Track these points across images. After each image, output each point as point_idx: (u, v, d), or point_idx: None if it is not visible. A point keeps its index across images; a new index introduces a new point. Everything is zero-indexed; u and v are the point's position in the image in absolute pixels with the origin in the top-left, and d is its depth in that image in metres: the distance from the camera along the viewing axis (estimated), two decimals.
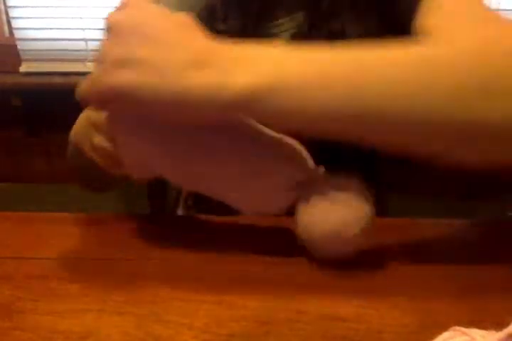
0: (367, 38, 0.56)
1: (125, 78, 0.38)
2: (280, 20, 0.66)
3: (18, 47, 1.71)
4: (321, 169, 0.47)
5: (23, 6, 1.67)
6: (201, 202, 0.78)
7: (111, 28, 0.41)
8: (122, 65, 0.39)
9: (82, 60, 1.69)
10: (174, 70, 0.38)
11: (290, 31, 0.65)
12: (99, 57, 0.40)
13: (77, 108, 0.72)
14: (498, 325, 0.35)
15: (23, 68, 1.71)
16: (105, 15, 0.42)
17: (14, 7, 1.68)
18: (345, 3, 0.60)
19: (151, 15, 0.41)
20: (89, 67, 1.69)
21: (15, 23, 1.70)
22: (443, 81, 0.40)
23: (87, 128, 0.51)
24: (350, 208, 0.45)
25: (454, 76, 0.40)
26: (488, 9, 0.54)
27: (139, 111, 0.41)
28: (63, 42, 1.69)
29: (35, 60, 1.72)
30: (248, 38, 0.61)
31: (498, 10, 1.58)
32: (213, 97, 0.38)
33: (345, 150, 0.47)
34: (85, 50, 1.68)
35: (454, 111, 0.40)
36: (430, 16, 0.53)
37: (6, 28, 1.73)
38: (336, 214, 0.45)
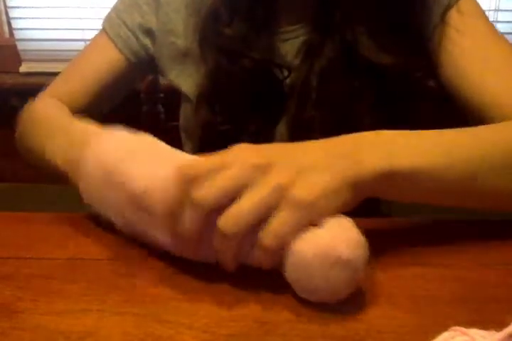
0: (379, 50, 0.59)
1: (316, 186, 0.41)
2: (290, 27, 0.66)
3: (18, 47, 1.71)
4: None
5: (23, 7, 1.68)
6: None
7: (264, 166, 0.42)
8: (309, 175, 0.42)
9: None
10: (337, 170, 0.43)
11: (300, 38, 0.65)
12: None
13: None
14: (498, 325, 0.35)
15: (23, 68, 1.71)
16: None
17: (14, 8, 1.68)
18: (358, 17, 0.61)
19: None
20: None
21: (15, 24, 1.70)
22: None
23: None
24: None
25: None
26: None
27: None
28: (63, 42, 1.69)
29: (35, 60, 1.72)
30: (254, 42, 0.62)
31: (498, 10, 1.58)
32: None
33: None
34: None
35: None
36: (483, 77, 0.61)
37: (6, 28, 1.73)
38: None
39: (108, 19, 0.73)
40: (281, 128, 0.65)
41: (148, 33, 0.71)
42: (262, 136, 0.65)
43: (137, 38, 0.71)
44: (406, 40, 0.62)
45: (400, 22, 0.62)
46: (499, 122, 0.57)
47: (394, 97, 0.63)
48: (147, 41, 0.71)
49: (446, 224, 0.56)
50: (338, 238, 0.40)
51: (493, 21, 1.58)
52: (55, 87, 0.73)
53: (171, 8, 0.69)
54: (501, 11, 1.59)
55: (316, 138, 0.46)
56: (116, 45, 0.71)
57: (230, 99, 0.65)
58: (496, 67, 0.62)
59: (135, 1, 0.70)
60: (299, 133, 0.60)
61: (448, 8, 0.64)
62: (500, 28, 1.59)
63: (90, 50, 0.75)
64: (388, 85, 0.62)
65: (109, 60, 0.72)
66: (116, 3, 0.73)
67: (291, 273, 0.42)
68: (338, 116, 0.62)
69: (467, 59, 0.63)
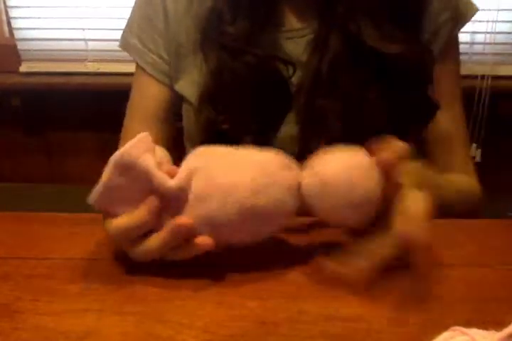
0: (382, 42, 0.59)
1: None
2: (296, 25, 0.66)
3: (18, 47, 1.71)
4: None
5: (23, 6, 1.68)
6: None
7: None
8: None
9: (82, 60, 1.69)
10: None
11: (306, 37, 0.65)
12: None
13: (77, 107, 0.72)
14: (498, 325, 0.35)
15: (23, 68, 1.71)
16: None
17: (14, 7, 1.68)
18: (360, 8, 0.61)
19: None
20: (89, 67, 1.69)
21: (15, 23, 1.70)
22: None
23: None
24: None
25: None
26: None
27: None
28: (63, 42, 1.69)
29: (35, 60, 1.72)
30: (257, 40, 0.62)
31: (498, 10, 1.58)
32: None
33: None
34: (85, 50, 1.68)
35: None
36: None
37: (6, 28, 1.73)
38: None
39: (133, 48, 0.71)
40: (286, 127, 0.65)
41: (168, 50, 0.70)
42: (264, 136, 0.65)
43: (164, 60, 0.70)
44: (408, 29, 0.63)
45: (401, 13, 0.63)
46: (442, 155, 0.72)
47: (403, 86, 0.64)
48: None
49: (446, 224, 0.56)
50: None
51: (493, 21, 1.58)
52: (123, 132, 0.73)
53: (176, 19, 0.69)
54: (502, 10, 1.58)
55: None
56: (154, 78, 0.71)
57: (233, 98, 0.65)
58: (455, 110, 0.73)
59: (149, 23, 0.70)
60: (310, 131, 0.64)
61: (457, 24, 0.69)
62: (501, 27, 1.59)
63: (136, 88, 0.74)
64: (396, 74, 0.63)
65: (154, 92, 0.72)
66: (132, 26, 0.72)
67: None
68: (349, 109, 0.63)
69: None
